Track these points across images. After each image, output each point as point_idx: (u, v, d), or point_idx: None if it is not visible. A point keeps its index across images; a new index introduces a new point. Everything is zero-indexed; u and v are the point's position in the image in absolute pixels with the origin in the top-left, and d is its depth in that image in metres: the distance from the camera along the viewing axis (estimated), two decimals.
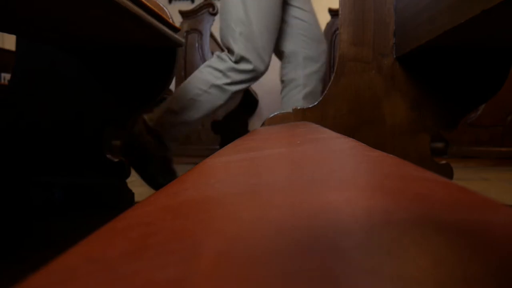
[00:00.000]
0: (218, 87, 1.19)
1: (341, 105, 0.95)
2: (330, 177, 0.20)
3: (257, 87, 2.68)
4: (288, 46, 1.30)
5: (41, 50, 1.00)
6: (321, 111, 0.96)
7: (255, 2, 1.17)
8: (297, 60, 1.29)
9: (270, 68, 1.24)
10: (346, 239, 0.11)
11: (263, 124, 1.05)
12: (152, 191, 1.22)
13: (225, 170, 0.29)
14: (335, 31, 2.42)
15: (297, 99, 1.27)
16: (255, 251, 0.10)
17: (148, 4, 0.74)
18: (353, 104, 0.94)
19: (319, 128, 0.63)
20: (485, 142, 2.26)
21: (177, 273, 0.10)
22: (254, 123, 3.11)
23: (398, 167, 0.21)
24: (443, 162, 0.97)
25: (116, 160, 1.03)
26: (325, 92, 0.97)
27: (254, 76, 1.20)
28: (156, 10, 0.79)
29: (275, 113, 1.03)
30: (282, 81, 1.34)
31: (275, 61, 1.33)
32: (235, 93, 1.22)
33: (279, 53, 1.34)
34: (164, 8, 0.93)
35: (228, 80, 1.19)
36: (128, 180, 1.07)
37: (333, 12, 2.45)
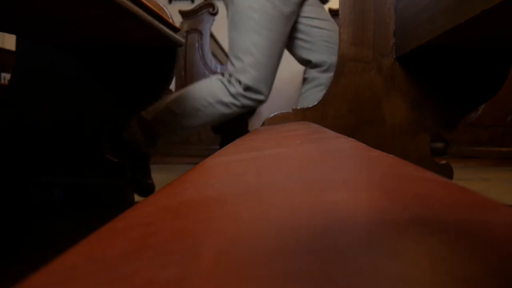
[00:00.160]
0: (225, 104, 1.20)
1: (341, 105, 0.95)
2: (330, 177, 0.20)
3: None
4: (314, 56, 1.31)
5: (41, 50, 1.00)
6: (321, 111, 0.96)
7: (261, 32, 1.18)
8: (324, 66, 1.31)
9: None
10: (346, 239, 0.11)
11: (263, 124, 1.05)
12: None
13: (225, 170, 0.28)
14: None
15: (316, 98, 1.29)
16: (255, 251, 0.10)
17: (148, 4, 0.74)
18: (353, 104, 0.94)
19: (319, 128, 0.63)
20: (485, 142, 2.26)
21: (177, 273, 0.10)
22: (254, 123, 3.10)
23: (398, 167, 0.21)
24: (443, 162, 0.97)
25: (116, 160, 1.03)
26: (325, 92, 0.97)
27: (261, 101, 1.22)
28: (156, 10, 0.79)
29: (275, 113, 1.03)
30: (305, 78, 1.36)
31: None
32: (239, 112, 1.24)
33: (306, 62, 1.34)
34: (164, 8, 0.93)
35: (236, 102, 1.20)
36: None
37: (333, 12, 2.45)
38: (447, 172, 0.95)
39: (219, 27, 2.25)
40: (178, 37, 0.95)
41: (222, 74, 1.24)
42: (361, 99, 0.94)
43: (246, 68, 1.18)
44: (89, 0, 0.62)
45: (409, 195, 0.15)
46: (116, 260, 0.11)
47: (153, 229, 0.14)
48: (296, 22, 1.28)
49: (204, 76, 2.33)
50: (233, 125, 2.48)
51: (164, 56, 1.01)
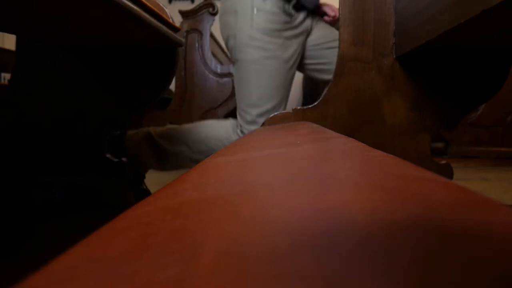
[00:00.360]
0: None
1: (341, 105, 0.95)
2: (330, 177, 0.20)
3: None
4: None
5: (41, 50, 1.00)
6: (321, 111, 0.96)
7: (265, 84, 1.20)
8: None
9: None
10: (346, 239, 0.11)
11: (263, 124, 1.05)
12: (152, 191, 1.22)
13: (225, 170, 0.28)
14: None
15: None
16: (255, 251, 0.10)
17: (148, 4, 0.74)
18: (353, 104, 0.94)
19: (319, 128, 0.63)
20: (485, 142, 2.26)
21: (177, 273, 0.10)
22: None
23: (398, 167, 0.21)
24: (443, 162, 0.96)
25: (116, 160, 1.03)
26: (325, 92, 0.97)
27: None
28: (156, 10, 0.79)
29: (275, 113, 1.03)
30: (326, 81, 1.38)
31: None
32: None
33: (326, 82, 1.36)
34: (164, 8, 0.93)
35: None
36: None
37: None
38: (447, 172, 0.95)
39: (219, 27, 2.25)
40: (178, 37, 0.95)
41: (236, 123, 1.27)
42: (361, 99, 0.94)
43: (255, 119, 1.22)
44: (89, 0, 0.62)
45: (409, 195, 0.15)
46: (116, 260, 0.11)
47: (153, 229, 0.14)
48: (307, 51, 1.30)
49: (204, 76, 2.33)
50: None
51: (164, 56, 1.01)
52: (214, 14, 2.33)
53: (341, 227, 0.12)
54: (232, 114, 2.27)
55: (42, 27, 0.80)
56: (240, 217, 0.14)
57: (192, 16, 2.34)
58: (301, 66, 1.33)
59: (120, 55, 1.01)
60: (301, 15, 1.26)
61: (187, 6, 2.80)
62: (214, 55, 2.40)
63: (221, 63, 2.46)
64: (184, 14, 2.36)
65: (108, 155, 1.02)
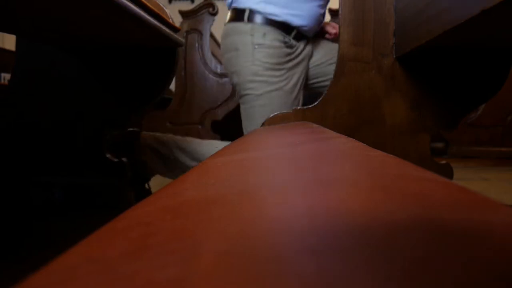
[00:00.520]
0: None
1: (341, 105, 0.95)
2: (330, 177, 0.20)
3: None
4: None
5: (41, 50, 1.00)
6: (321, 111, 0.96)
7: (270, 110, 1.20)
8: None
9: None
10: (346, 239, 0.11)
11: (263, 124, 1.05)
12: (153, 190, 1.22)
13: (225, 170, 0.28)
14: None
15: None
16: (255, 251, 0.10)
17: (148, 4, 0.74)
18: (353, 104, 0.94)
19: (319, 128, 0.63)
20: (485, 142, 2.26)
21: (177, 273, 0.10)
22: None
23: (398, 167, 0.21)
24: (443, 162, 0.96)
25: (116, 160, 1.03)
26: (325, 92, 0.97)
27: None
28: (156, 10, 0.79)
29: (275, 113, 1.03)
30: None
31: None
32: None
33: None
34: (164, 8, 0.93)
35: None
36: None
37: (333, 12, 2.45)
38: (447, 172, 0.95)
39: (219, 27, 2.24)
40: (178, 37, 0.95)
41: None
42: (361, 99, 0.94)
43: None
44: (89, 0, 0.62)
45: (409, 195, 0.15)
46: (116, 260, 0.11)
47: (153, 229, 0.14)
48: (310, 71, 1.30)
49: (204, 76, 2.33)
50: (233, 125, 2.48)
51: (164, 56, 1.01)
52: (214, 14, 2.33)
53: (341, 227, 0.12)
54: (232, 114, 2.27)
55: (42, 27, 0.80)
56: (240, 217, 0.14)
57: (192, 16, 2.34)
58: (305, 86, 1.32)
59: (120, 55, 1.01)
60: (302, 44, 1.26)
61: (187, 6, 2.80)
62: (214, 55, 2.40)
63: (220, 63, 2.46)
64: (184, 14, 2.36)
65: (108, 155, 1.02)
